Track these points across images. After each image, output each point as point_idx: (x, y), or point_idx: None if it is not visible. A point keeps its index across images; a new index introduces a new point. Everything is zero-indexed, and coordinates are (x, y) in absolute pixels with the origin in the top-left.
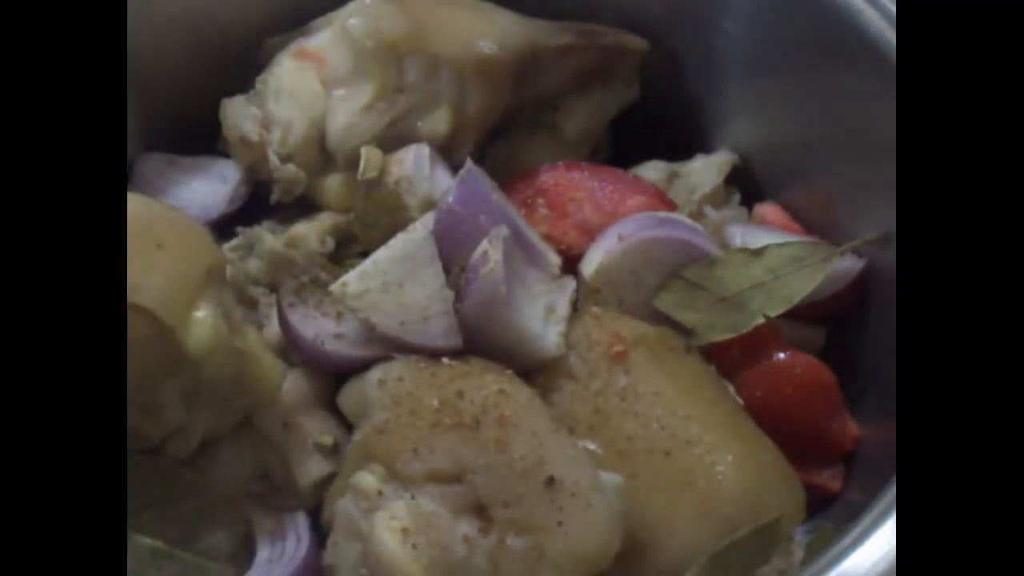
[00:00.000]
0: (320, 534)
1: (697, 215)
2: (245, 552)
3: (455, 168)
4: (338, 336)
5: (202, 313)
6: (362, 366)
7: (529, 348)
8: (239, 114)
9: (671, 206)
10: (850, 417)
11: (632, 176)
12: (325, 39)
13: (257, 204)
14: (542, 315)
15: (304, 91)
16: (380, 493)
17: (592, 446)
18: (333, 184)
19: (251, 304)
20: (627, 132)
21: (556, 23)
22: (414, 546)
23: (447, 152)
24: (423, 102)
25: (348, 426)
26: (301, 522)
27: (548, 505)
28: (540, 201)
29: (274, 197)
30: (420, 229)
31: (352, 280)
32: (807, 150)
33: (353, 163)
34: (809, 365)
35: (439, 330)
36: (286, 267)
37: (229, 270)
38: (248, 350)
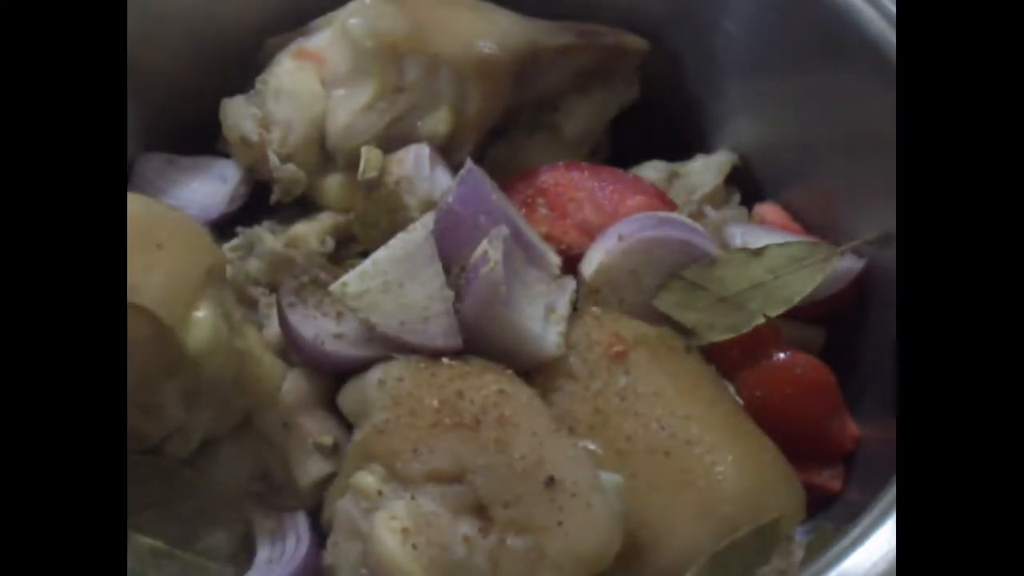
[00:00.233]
0: (320, 534)
1: (697, 215)
2: (245, 552)
3: (455, 168)
4: (338, 336)
5: (202, 313)
6: (362, 366)
7: (529, 348)
8: (239, 114)
9: (671, 206)
10: (850, 417)
11: (632, 176)
12: (325, 39)
13: (257, 204)
14: (542, 315)
15: (304, 91)
16: (380, 493)
17: (592, 446)
18: (333, 184)
19: (251, 304)
20: (627, 132)
21: (556, 23)
22: (414, 546)
23: (447, 152)
24: (423, 102)
25: (348, 426)
26: (301, 522)
27: (548, 505)
28: (540, 201)
29: (274, 197)
30: (420, 229)
31: (352, 280)
32: (807, 150)
33: (353, 163)
34: (809, 365)
35: (439, 330)
36: (286, 267)
37: (229, 270)
38: (248, 350)
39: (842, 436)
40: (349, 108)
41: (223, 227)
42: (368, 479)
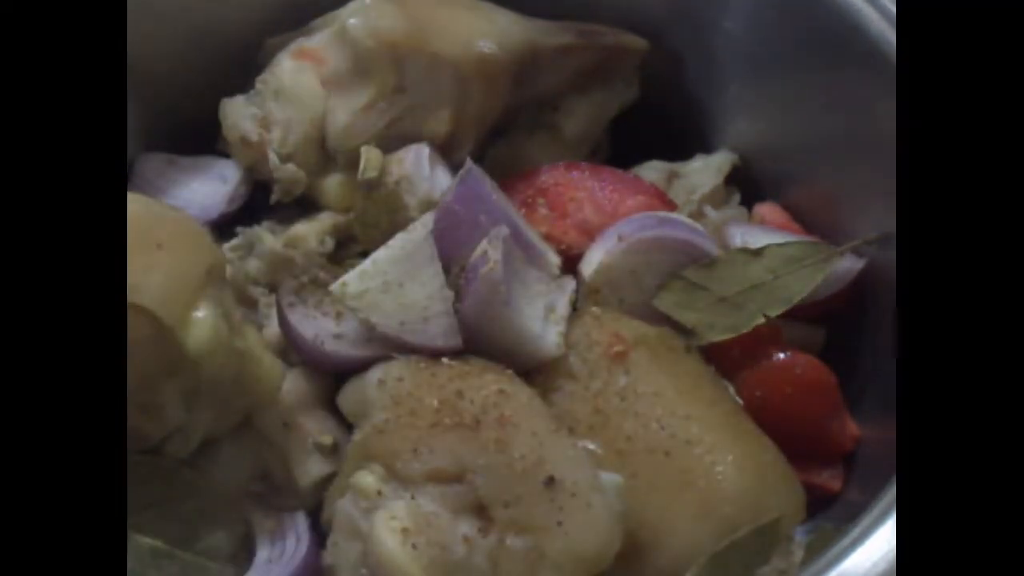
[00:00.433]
0: (320, 534)
1: (697, 215)
2: (245, 552)
3: (455, 168)
4: (338, 336)
5: (202, 313)
6: (362, 366)
7: (529, 348)
8: (239, 114)
9: (671, 206)
10: (850, 417)
11: (632, 176)
12: (325, 39)
13: (257, 204)
14: (542, 315)
15: (304, 91)
16: (380, 493)
17: (592, 446)
18: (333, 184)
19: (251, 304)
20: (627, 132)
21: (556, 23)
22: (414, 546)
23: (447, 152)
24: (423, 102)
25: (348, 426)
26: (301, 522)
27: (548, 505)
28: (540, 201)
29: (274, 197)
30: (420, 229)
31: (352, 280)
32: (807, 150)
33: (353, 163)
34: (809, 365)
35: (439, 330)
36: (286, 267)
37: (229, 270)
38: (248, 350)
39: (842, 436)
40: (349, 108)
41: (223, 227)
42: (368, 479)
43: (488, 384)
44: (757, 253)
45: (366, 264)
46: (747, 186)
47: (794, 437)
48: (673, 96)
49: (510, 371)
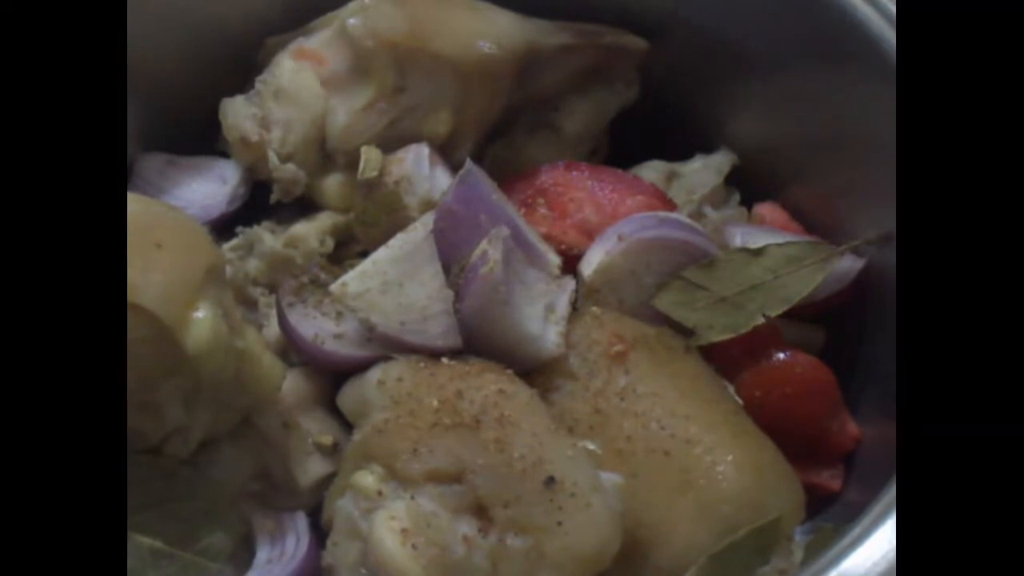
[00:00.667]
0: (320, 534)
1: (697, 215)
2: (245, 552)
3: (455, 168)
4: (338, 336)
5: (202, 313)
6: (362, 366)
7: (529, 348)
8: (239, 114)
9: (671, 206)
10: (850, 417)
11: (632, 176)
12: (325, 39)
13: (257, 204)
14: (542, 315)
15: (304, 91)
16: (380, 493)
17: (592, 446)
18: (333, 184)
19: (251, 304)
20: (627, 132)
21: (556, 23)
22: (414, 546)
23: (447, 152)
24: (423, 102)
25: (348, 426)
26: (301, 522)
27: (548, 505)
28: (540, 201)
29: (274, 197)
30: (420, 229)
31: (352, 280)
32: (807, 150)
33: (353, 163)
34: (809, 365)
35: (439, 330)
36: (286, 267)
37: (229, 270)
38: (248, 350)
39: (842, 436)
40: (349, 108)
41: (223, 227)
42: (368, 479)
43: (488, 384)
44: (757, 253)
45: (366, 264)
46: (747, 186)
47: (794, 437)
48: (673, 96)
49: (510, 371)
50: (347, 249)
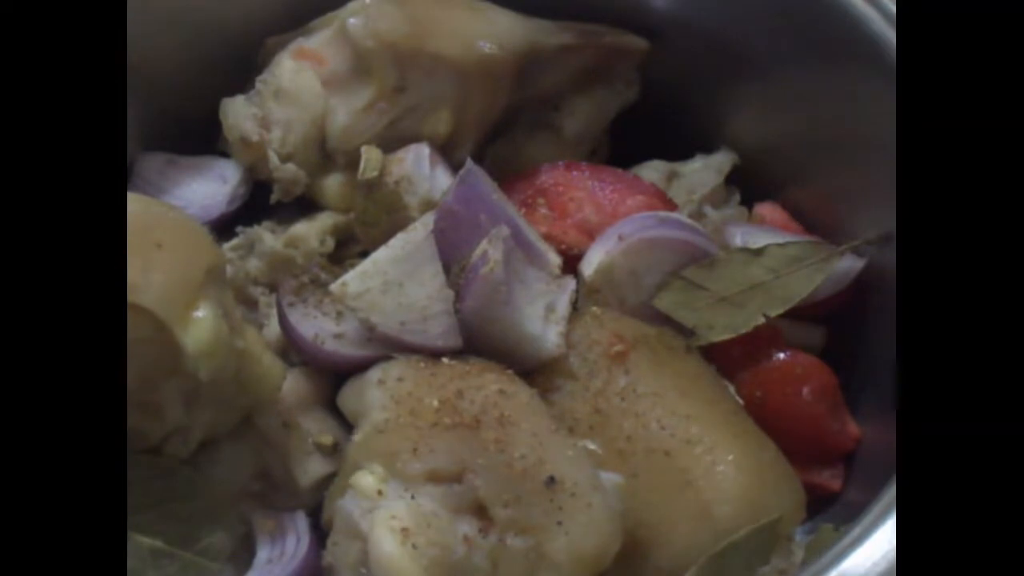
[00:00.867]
0: (320, 534)
1: (697, 215)
2: (245, 552)
3: (455, 168)
4: (338, 336)
5: (202, 313)
6: (362, 366)
7: (529, 348)
8: (239, 114)
9: (671, 206)
10: (850, 417)
11: (632, 176)
12: (325, 39)
13: (257, 204)
14: (542, 315)
15: (304, 91)
16: (380, 493)
17: (592, 446)
18: (333, 184)
19: (251, 304)
20: (627, 132)
21: (556, 23)
22: (414, 546)
23: (447, 152)
24: (423, 102)
25: (348, 426)
26: (301, 522)
27: (548, 505)
28: (540, 201)
29: (274, 197)
30: (420, 229)
31: (352, 280)
32: (807, 150)
33: (353, 163)
34: (809, 365)
35: (439, 330)
36: (286, 267)
37: (229, 270)
38: (248, 350)
39: (842, 436)
40: (349, 108)
41: (223, 227)
42: (368, 479)
43: (488, 384)
44: (757, 253)
45: (366, 264)
46: (747, 186)
47: (794, 437)
48: (673, 96)
49: (510, 371)
50: (347, 249)
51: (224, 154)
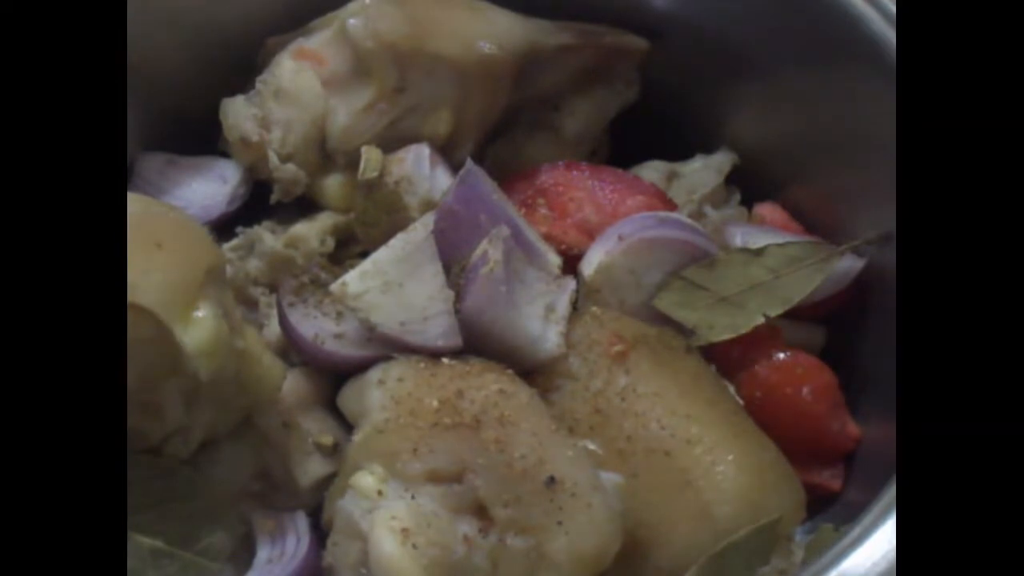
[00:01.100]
0: (320, 534)
1: (697, 215)
2: (245, 552)
3: (455, 168)
4: (338, 336)
5: (202, 313)
6: (362, 366)
7: (529, 348)
8: (239, 114)
9: (671, 206)
10: (850, 417)
11: (632, 176)
12: (325, 39)
13: (257, 204)
14: (542, 315)
15: (304, 91)
16: (380, 493)
17: (592, 446)
18: (333, 184)
19: (251, 304)
20: (627, 132)
21: (556, 23)
22: (414, 546)
23: (447, 152)
24: (423, 102)
25: (348, 426)
26: (301, 522)
27: (548, 505)
28: (540, 201)
29: (274, 197)
30: (420, 229)
31: (352, 280)
32: (807, 150)
33: (353, 163)
34: (809, 365)
35: (439, 330)
36: (286, 267)
37: (229, 270)
38: (248, 350)
39: (842, 436)
40: (349, 108)
41: (223, 227)
42: (368, 479)
43: (488, 384)
44: (757, 253)
45: (366, 264)
46: (747, 186)
47: (794, 437)
48: (673, 96)
49: (510, 371)
50: (347, 249)
51: (224, 154)
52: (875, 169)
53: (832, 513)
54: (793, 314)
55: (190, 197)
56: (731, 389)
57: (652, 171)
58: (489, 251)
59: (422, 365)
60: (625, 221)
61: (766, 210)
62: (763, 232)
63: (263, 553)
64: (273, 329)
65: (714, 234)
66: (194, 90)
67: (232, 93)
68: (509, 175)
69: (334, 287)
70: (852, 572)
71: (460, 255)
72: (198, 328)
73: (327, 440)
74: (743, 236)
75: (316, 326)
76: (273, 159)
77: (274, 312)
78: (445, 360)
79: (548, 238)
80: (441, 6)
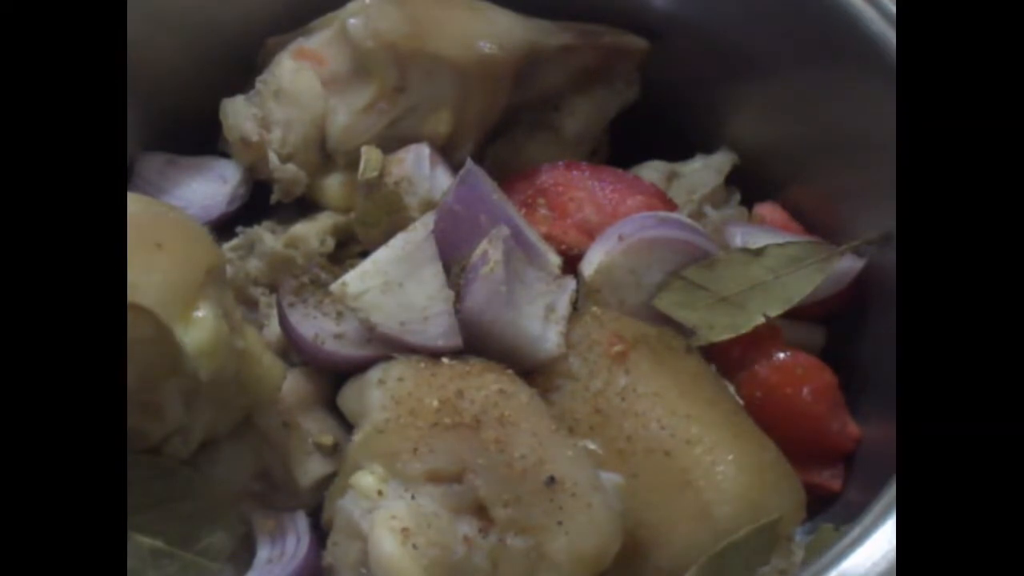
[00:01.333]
0: (320, 534)
1: (697, 215)
2: (245, 552)
3: (455, 168)
4: (338, 336)
5: (202, 313)
6: (362, 366)
7: (529, 348)
8: (239, 114)
9: (671, 206)
10: (850, 417)
11: (632, 176)
12: (325, 39)
13: (257, 204)
14: (542, 315)
15: (304, 91)
16: (380, 493)
17: (592, 446)
18: (333, 184)
19: (251, 304)
20: (627, 132)
21: (556, 23)
22: (414, 546)
23: (447, 152)
24: (423, 102)
25: (348, 426)
26: (301, 522)
27: (548, 505)
28: (540, 201)
29: (274, 197)
30: (420, 229)
31: (352, 280)
32: (807, 150)
33: (353, 163)
34: (809, 365)
35: (439, 330)
36: (286, 267)
37: (229, 270)
38: (248, 350)
39: (842, 436)
40: (349, 108)
41: (223, 227)
42: (368, 479)
43: (488, 384)
44: (757, 253)
45: (366, 264)
46: (747, 186)
47: (794, 437)
48: (673, 96)
49: (510, 371)
50: (347, 249)
51: (224, 154)
52: (875, 169)
53: (832, 513)
54: (793, 314)
55: (190, 197)
56: (731, 389)
57: (652, 171)
58: (489, 251)
59: (422, 365)
60: (625, 221)
61: (766, 210)
62: (763, 232)
63: (263, 553)
64: (273, 329)
65: (714, 234)
66: (194, 90)
67: (232, 93)
68: (509, 175)
69: (334, 287)
70: (852, 572)
71: (460, 255)
72: (198, 328)
73: (327, 440)
74: (743, 236)
75: (316, 326)
76: (273, 159)
77: (274, 312)
78: (445, 360)
79: (548, 238)
80: (441, 6)
